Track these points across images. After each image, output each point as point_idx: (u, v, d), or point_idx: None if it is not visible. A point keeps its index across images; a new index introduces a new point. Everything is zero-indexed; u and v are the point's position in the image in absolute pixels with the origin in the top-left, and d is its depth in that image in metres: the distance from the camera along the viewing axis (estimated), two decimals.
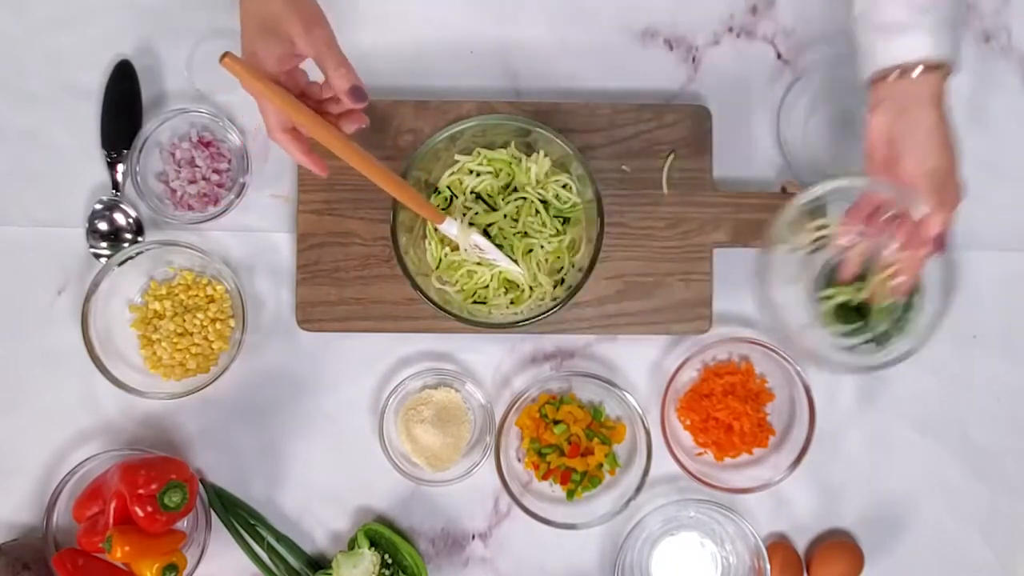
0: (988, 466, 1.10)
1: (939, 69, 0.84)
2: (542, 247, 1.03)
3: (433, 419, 1.07)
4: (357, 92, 0.85)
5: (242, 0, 0.86)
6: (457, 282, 1.04)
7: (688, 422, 1.09)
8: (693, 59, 1.12)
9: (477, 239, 1.01)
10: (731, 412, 1.06)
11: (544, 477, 1.08)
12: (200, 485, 1.06)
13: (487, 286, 1.04)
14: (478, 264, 1.03)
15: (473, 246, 1.02)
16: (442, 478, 1.07)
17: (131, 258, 1.06)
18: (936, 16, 0.83)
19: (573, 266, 1.04)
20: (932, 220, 0.86)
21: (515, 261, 1.02)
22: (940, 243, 0.86)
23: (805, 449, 1.05)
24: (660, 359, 1.10)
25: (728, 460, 1.09)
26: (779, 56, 1.12)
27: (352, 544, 1.07)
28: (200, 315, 1.07)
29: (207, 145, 1.09)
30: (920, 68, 0.83)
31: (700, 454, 1.09)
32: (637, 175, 1.08)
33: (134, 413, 1.07)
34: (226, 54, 0.80)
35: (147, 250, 1.06)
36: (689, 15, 1.12)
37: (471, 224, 1.03)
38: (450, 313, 1.00)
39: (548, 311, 1.00)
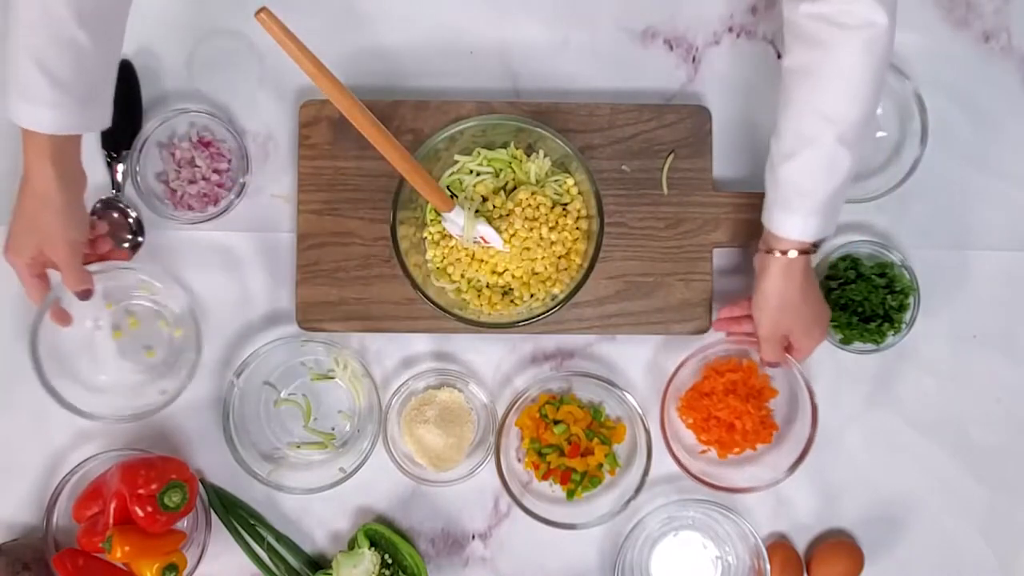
0: (988, 466, 1.10)
1: (805, 252, 0.97)
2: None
3: (437, 419, 1.07)
4: (83, 294, 1.00)
5: (24, 190, 0.94)
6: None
7: (690, 420, 1.09)
8: (693, 59, 1.12)
9: (483, 229, 1.01)
10: (733, 411, 1.06)
11: (544, 477, 1.08)
12: (200, 485, 1.06)
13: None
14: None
15: (479, 236, 1.02)
16: (445, 478, 1.07)
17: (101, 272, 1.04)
18: (813, 202, 0.95)
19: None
20: (764, 355, 1.03)
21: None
22: (772, 365, 1.04)
23: (808, 447, 1.05)
24: (660, 359, 1.10)
25: (731, 457, 1.09)
26: (779, 56, 1.12)
27: (352, 544, 1.07)
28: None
29: (207, 145, 1.09)
30: (794, 253, 0.97)
31: (703, 452, 1.09)
32: (637, 175, 1.08)
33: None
34: (263, 9, 0.80)
35: (105, 271, 1.03)
36: (689, 15, 1.12)
37: (476, 212, 1.02)
38: (450, 313, 1.00)
39: (548, 311, 1.00)
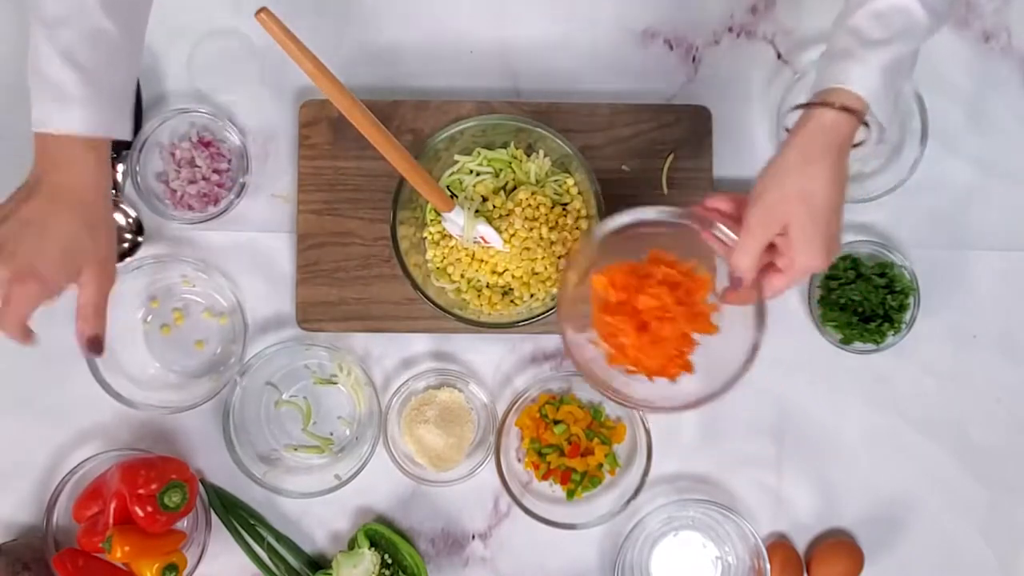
0: (988, 466, 1.10)
1: (855, 113, 0.81)
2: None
3: (437, 419, 1.07)
4: (93, 344, 0.88)
5: (51, 198, 0.86)
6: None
7: (611, 293, 0.87)
8: (693, 59, 1.12)
9: (483, 229, 1.01)
10: (660, 306, 0.86)
11: (544, 477, 1.08)
12: (200, 485, 1.06)
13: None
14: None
15: (479, 236, 1.02)
16: (445, 478, 1.07)
17: (140, 266, 1.06)
18: (878, 56, 0.81)
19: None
20: (737, 254, 0.83)
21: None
22: (734, 285, 0.84)
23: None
24: None
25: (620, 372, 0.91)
26: (779, 56, 1.12)
27: (352, 544, 1.07)
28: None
29: (207, 145, 1.09)
30: (841, 110, 0.80)
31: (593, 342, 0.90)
32: (637, 175, 1.08)
33: (134, 413, 1.07)
34: (263, 9, 0.80)
35: (154, 262, 1.06)
36: (689, 15, 1.12)
37: (476, 212, 1.02)
38: (450, 313, 1.00)
39: (548, 311, 1.00)
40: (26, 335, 0.86)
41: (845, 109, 0.80)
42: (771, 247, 0.83)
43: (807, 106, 0.82)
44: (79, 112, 0.85)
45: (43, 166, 0.87)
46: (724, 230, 0.85)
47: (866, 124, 0.82)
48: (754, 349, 0.87)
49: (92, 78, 0.84)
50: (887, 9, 0.81)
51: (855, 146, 0.84)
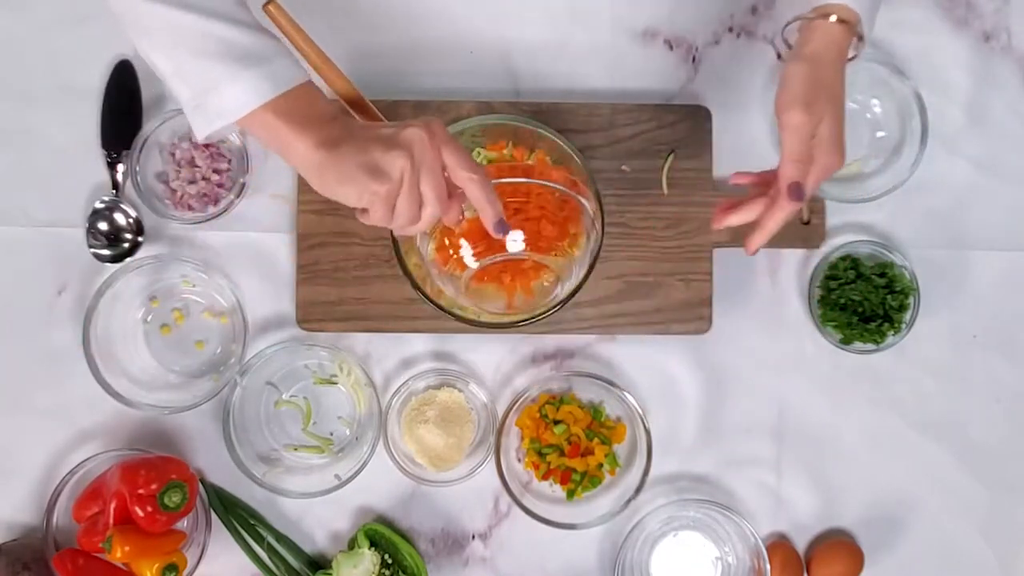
0: (988, 466, 1.10)
1: (849, 25, 0.86)
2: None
3: (437, 419, 1.07)
4: (500, 226, 0.84)
5: (316, 167, 0.78)
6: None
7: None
8: (693, 59, 1.12)
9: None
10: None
11: (544, 477, 1.08)
12: (200, 485, 1.06)
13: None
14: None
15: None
16: (445, 478, 1.07)
17: (141, 267, 1.06)
18: None
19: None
20: (788, 156, 0.86)
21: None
22: (794, 191, 0.86)
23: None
24: (660, 359, 1.10)
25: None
26: (779, 56, 1.12)
27: (352, 544, 1.07)
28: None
29: (207, 145, 1.09)
30: (834, 18, 0.86)
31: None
32: (637, 175, 1.08)
33: (134, 413, 1.07)
34: (271, 1, 0.79)
35: (154, 262, 1.06)
36: (689, 15, 1.12)
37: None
38: (450, 313, 1.00)
39: (548, 311, 1.00)
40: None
41: (842, 21, 0.85)
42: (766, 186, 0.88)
43: (807, 19, 0.87)
44: (277, 64, 0.77)
45: (289, 159, 0.80)
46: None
47: (860, 37, 0.87)
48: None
49: (262, 29, 0.77)
50: None
51: (849, 59, 0.88)
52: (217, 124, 0.77)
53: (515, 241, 0.95)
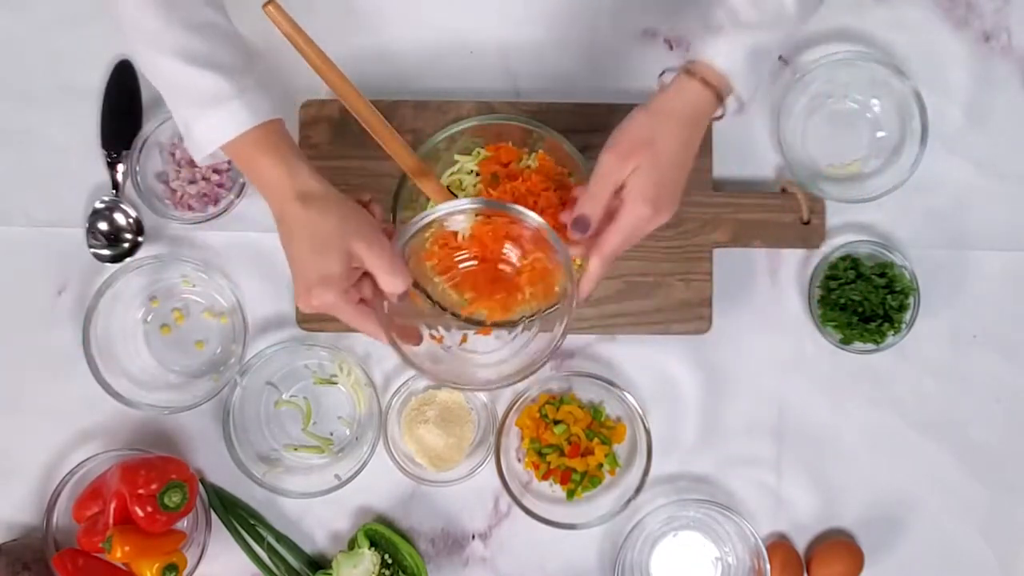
0: (988, 466, 1.10)
1: (713, 89, 0.86)
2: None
3: (437, 419, 1.07)
4: (404, 297, 0.85)
5: (286, 218, 0.84)
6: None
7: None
8: None
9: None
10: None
11: (544, 477, 1.08)
12: (200, 485, 1.06)
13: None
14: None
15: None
16: (445, 478, 1.07)
17: (141, 266, 1.06)
18: (745, 38, 0.86)
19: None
20: (582, 205, 0.86)
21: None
22: (578, 225, 0.86)
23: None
24: (660, 359, 1.10)
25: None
26: (779, 56, 1.12)
27: (352, 544, 1.07)
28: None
29: None
30: (700, 82, 0.86)
31: None
32: None
33: (134, 413, 1.07)
34: (271, 2, 0.80)
35: (154, 262, 1.06)
36: (689, 15, 1.12)
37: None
38: (450, 313, 1.00)
39: (548, 311, 1.00)
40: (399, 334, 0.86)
41: (706, 83, 0.86)
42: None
43: (676, 71, 0.88)
44: (236, 104, 0.82)
45: (258, 184, 0.85)
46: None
47: (721, 99, 0.87)
48: (565, 312, 0.88)
49: (230, 68, 0.82)
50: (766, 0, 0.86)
51: (715, 119, 0.89)
52: (198, 156, 0.85)
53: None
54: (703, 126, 0.88)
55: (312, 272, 0.82)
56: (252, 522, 1.08)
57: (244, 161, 0.85)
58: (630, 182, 0.85)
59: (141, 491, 0.98)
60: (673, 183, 0.87)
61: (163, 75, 0.84)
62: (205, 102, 0.82)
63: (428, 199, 1.03)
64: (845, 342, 1.07)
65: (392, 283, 0.83)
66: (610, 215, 0.86)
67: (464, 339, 0.99)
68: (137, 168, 1.09)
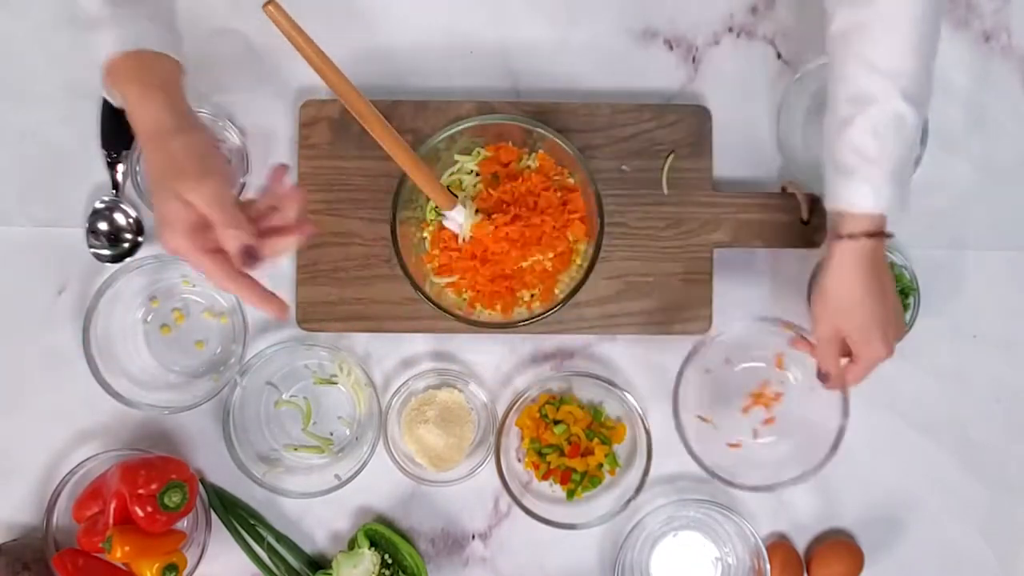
0: (988, 466, 1.10)
1: (878, 236, 0.89)
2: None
3: (437, 419, 1.07)
4: (247, 253, 0.81)
5: (145, 155, 0.84)
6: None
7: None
8: (693, 59, 1.12)
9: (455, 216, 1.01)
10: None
11: (544, 477, 1.08)
12: (200, 485, 1.06)
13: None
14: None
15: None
16: (445, 478, 1.07)
17: (141, 266, 1.06)
18: (883, 169, 0.88)
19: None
20: (819, 362, 0.97)
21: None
22: (823, 379, 0.97)
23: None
24: (660, 359, 1.10)
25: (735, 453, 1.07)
26: (779, 56, 1.12)
27: (352, 544, 1.07)
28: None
29: None
30: (863, 238, 0.89)
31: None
32: (637, 175, 1.08)
33: (134, 413, 1.07)
34: (271, 1, 0.80)
35: (154, 262, 1.06)
36: (689, 15, 1.12)
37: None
38: (450, 313, 1.00)
39: (548, 311, 1.00)
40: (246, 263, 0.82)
41: (868, 235, 0.89)
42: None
43: (835, 237, 0.90)
44: (111, 31, 0.84)
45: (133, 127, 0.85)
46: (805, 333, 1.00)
47: (884, 232, 0.90)
48: (840, 432, 1.02)
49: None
50: (882, 123, 0.87)
51: (888, 236, 0.91)
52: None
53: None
54: (884, 261, 0.91)
55: (158, 213, 0.81)
56: (252, 522, 1.08)
57: (117, 90, 0.85)
58: (851, 340, 0.93)
59: (141, 491, 0.98)
60: (888, 322, 0.93)
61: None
62: (86, 27, 0.85)
63: (428, 199, 1.03)
64: None
65: (226, 236, 0.80)
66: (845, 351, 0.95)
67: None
68: (137, 168, 1.09)
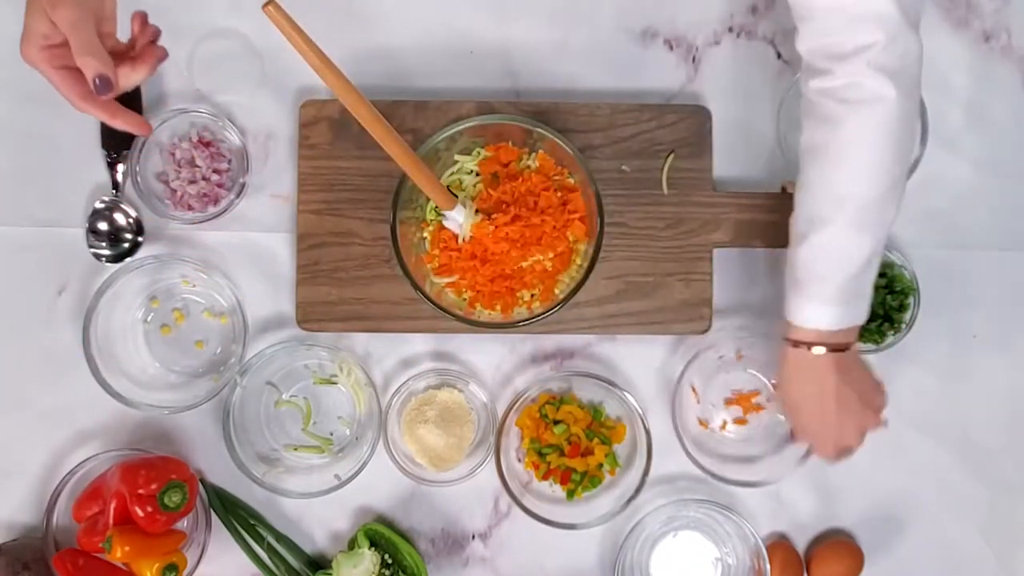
0: (988, 466, 1.10)
1: (835, 349, 0.91)
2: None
3: (437, 419, 1.07)
4: (101, 82, 0.80)
5: None
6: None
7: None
8: (693, 59, 1.12)
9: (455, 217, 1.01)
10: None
11: (544, 477, 1.08)
12: (200, 485, 1.06)
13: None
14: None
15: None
16: (445, 478, 1.07)
17: (141, 266, 1.06)
18: (827, 290, 0.89)
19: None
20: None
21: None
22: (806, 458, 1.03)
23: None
24: (660, 359, 1.10)
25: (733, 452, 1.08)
26: (779, 56, 1.12)
27: (352, 544, 1.07)
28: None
29: (207, 145, 1.09)
30: (820, 349, 0.91)
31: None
32: (637, 175, 1.08)
33: (134, 413, 1.07)
34: (270, 2, 0.80)
35: (154, 262, 1.06)
36: (689, 15, 1.12)
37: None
38: (450, 313, 1.00)
39: (548, 311, 1.00)
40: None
41: (810, 346, 0.91)
42: None
43: (790, 343, 0.92)
44: None
45: None
46: None
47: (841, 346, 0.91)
48: (778, 480, 1.06)
49: None
50: (831, 246, 0.88)
51: (841, 350, 0.92)
52: None
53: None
54: (835, 366, 0.91)
55: (24, 24, 0.82)
56: (252, 522, 1.08)
57: None
58: (797, 433, 1.00)
59: (141, 491, 0.98)
60: (833, 427, 0.95)
61: None
62: None
63: (428, 199, 1.03)
64: None
65: (83, 63, 0.79)
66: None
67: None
68: (137, 168, 1.09)
